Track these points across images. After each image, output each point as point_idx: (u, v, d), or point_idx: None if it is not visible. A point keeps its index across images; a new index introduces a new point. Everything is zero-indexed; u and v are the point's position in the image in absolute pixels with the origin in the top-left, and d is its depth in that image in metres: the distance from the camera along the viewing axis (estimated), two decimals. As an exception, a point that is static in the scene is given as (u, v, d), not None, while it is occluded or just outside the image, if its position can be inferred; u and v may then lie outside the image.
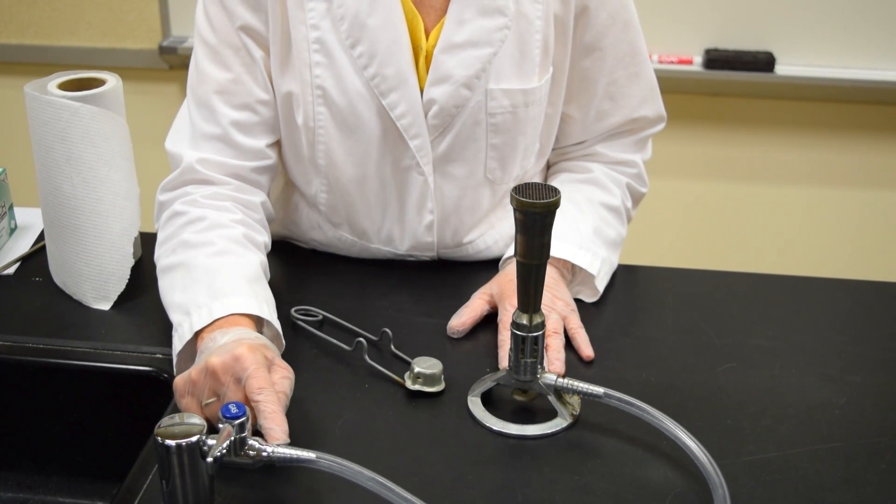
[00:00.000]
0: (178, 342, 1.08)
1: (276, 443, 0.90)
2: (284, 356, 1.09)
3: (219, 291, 1.08)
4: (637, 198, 1.41)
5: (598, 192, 1.34)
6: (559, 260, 1.25)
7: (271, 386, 0.95)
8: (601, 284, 1.28)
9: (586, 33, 1.26)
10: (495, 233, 1.37)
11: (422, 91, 1.22)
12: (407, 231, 1.32)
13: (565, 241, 1.25)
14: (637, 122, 1.35)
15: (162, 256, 1.19)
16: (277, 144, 1.30)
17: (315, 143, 1.26)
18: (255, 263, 1.16)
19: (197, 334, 1.07)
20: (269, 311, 1.11)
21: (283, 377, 0.99)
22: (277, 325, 1.11)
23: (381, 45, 1.18)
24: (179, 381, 0.99)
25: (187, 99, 1.26)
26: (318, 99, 1.22)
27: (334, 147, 1.25)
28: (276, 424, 0.92)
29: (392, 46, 1.18)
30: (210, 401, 0.97)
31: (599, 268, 1.26)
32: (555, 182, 1.39)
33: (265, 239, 1.25)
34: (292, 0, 1.19)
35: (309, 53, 1.20)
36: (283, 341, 1.12)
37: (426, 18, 1.21)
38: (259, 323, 1.10)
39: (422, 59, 1.21)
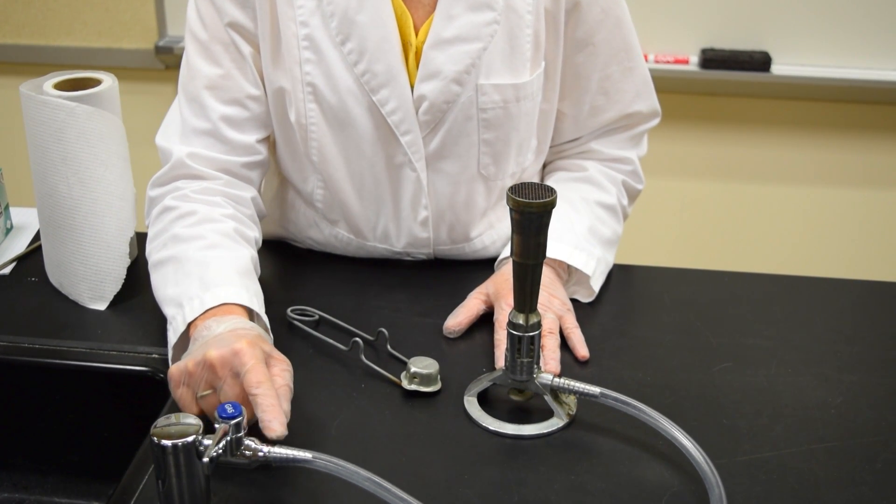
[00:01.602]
0: (173, 335, 1.08)
1: (274, 436, 0.90)
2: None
3: (210, 282, 1.08)
4: (633, 195, 1.41)
5: (593, 190, 1.34)
6: (555, 260, 1.25)
7: (269, 381, 0.94)
8: (597, 284, 1.28)
9: (578, 28, 1.27)
10: (494, 233, 1.37)
11: (412, 87, 1.22)
12: (403, 228, 1.32)
13: (560, 241, 1.25)
14: (631, 117, 1.35)
15: (153, 251, 1.19)
16: (268, 140, 1.30)
17: (307, 139, 1.26)
18: (245, 257, 1.16)
19: (190, 325, 1.07)
20: (258, 305, 1.11)
21: (283, 370, 0.98)
22: (266, 320, 1.11)
23: (370, 42, 1.18)
24: (175, 370, 0.98)
25: (178, 94, 1.27)
26: (308, 96, 1.22)
27: (326, 144, 1.25)
28: (273, 417, 0.91)
29: (381, 43, 1.19)
30: (205, 393, 0.97)
31: (595, 268, 1.26)
32: (550, 181, 1.39)
33: (255, 234, 1.25)
34: None
35: (299, 50, 1.21)
36: (272, 337, 1.12)
37: (415, 14, 1.21)
38: (249, 314, 1.10)
39: (411, 55, 1.22)
